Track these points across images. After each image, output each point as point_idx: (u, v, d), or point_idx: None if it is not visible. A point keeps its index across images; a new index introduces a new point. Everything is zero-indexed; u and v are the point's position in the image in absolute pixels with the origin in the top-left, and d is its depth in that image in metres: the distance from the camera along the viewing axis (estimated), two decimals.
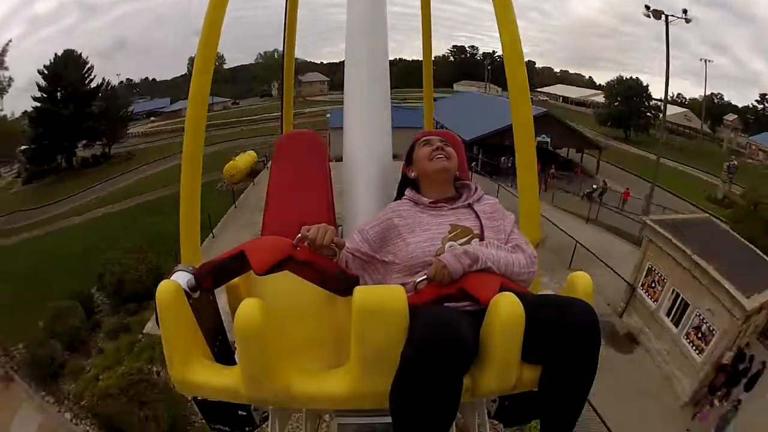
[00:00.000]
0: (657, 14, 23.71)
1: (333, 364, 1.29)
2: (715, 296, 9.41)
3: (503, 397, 1.44)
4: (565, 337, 1.09)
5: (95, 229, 24.28)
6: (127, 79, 62.81)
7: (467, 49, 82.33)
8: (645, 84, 42.45)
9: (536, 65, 79.23)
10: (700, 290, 9.88)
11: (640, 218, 15.36)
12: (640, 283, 12.00)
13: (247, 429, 1.54)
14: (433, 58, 3.05)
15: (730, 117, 47.89)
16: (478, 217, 1.49)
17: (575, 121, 40.58)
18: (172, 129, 44.57)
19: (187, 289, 1.22)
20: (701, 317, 10.04)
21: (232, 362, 1.37)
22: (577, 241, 14.59)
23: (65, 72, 32.71)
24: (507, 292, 1.10)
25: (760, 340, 10.28)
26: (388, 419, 1.09)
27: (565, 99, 61.23)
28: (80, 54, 34.62)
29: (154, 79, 69.76)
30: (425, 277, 1.30)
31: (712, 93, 52.75)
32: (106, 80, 37.06)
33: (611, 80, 46.44)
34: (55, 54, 33.29)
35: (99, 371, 11.69)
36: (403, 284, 1.36)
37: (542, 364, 1.16)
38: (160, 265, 14.67)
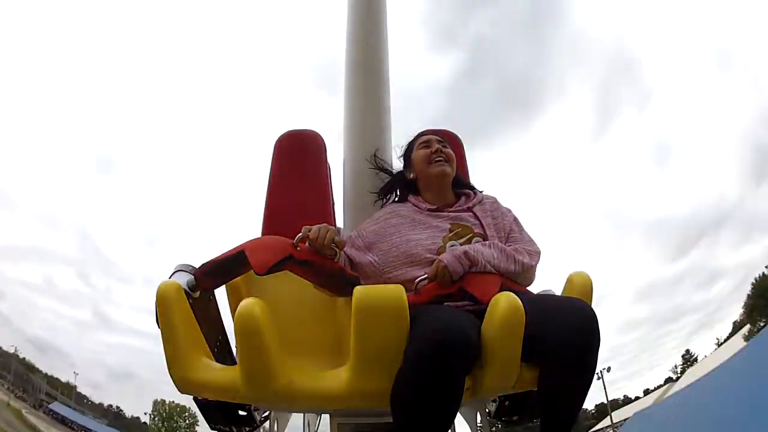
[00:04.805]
0: None
1: (333, 364, 1.29)
2: None
3: (503, 397, 1.45)
4: (563, 337, 1.09)
5: None
6: None
7: None
8: None
9: None
10: None
11: None
12: None
13: (247, 429, 1.54)
14: None
15: None
16: (477, 217, 1.49)
17: None
18: None
19: (187, 289, 1.22)
20: None
21: (232, 362, 1.37)
22: None
23: None
24: (507, 292, 1.10)
25: None
26: (388, 419, 1.08)
27: None
28: None
29: None
30: (426, 276, 1.30)
31: None
32: None
33: None
34: None
35: None
36: (402, 281, 1.36)
37: (541, 364, 1.16)
38: None
